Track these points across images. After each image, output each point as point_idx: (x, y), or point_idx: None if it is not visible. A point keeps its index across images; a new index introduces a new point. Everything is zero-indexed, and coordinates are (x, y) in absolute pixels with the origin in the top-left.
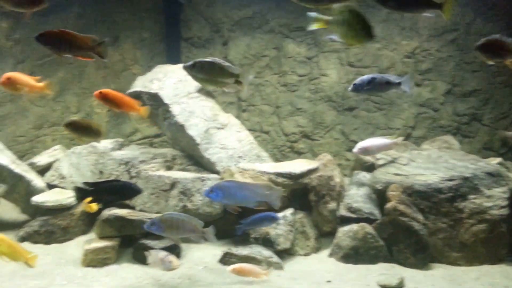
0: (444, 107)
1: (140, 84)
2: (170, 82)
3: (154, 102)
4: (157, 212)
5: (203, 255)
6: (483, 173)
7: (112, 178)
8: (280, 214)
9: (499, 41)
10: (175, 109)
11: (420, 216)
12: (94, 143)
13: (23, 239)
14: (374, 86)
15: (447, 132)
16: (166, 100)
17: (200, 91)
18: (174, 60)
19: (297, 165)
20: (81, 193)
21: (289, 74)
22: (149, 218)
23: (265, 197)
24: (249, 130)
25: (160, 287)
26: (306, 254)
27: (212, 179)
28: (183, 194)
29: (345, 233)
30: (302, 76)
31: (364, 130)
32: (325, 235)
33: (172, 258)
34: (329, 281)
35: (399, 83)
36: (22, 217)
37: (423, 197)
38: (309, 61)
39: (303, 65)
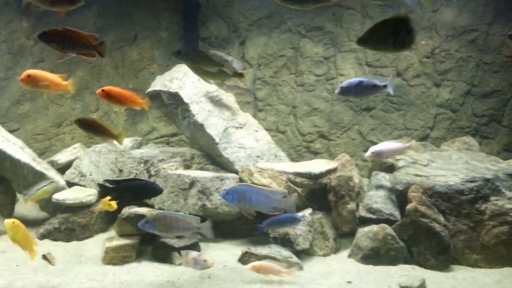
0: (463, 108)
1: (160, 83)
2: (190, 81)
3: (174, 101)
4: (176, 211)
5: (222, 254)
6: (504, 175)
7: (131, 176)
8: (299, 214)
9: None
10: (194, 109)
11: (441, 218)
12: (114, 141)
13: (43, 236)
14: (361, 90)
15: (466, 133)
16: (186, 100)
17: (219, 90)
18: None
19: (316, 165)
20: (103, 190)
21: (306, 74)
22: None
23: (280, 204)
24: (265, 129)
25: (180, 286)
26: (325, 255)
27: (230, 179)
28: (202, 193)
29: (364, 234)
30: (319, 76)
31: (381, 130)
32: (344, 235)
33: (205, 257)
34: (349, 282)
35: (385, 86)
36: (41, 214)
37: (444, 199)
38: (326, 61)
39: (320, 65)
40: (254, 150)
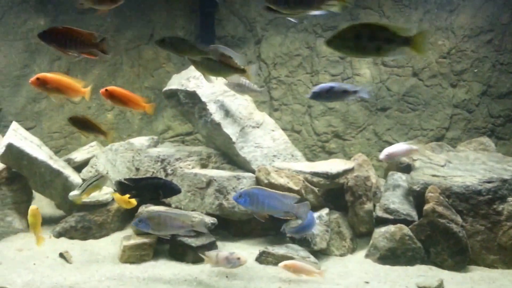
0: (479, 109)
1: (177, 82)
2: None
3: (190, 100)
4: (193, 210)
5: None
6: None
7: (148, 175)
8: (315, 214)
9: None
10: (211, 108)
11: (458, 218)
12: (131, 140)
13: (59, 234)
14: (332, 94)
15: (482, 134)
16: (203, 98)
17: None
18: None
19: (333, 165)
20: (122, 188)
21: (322, 73)
22: None
23: (292, 209)
24: (281, 129)
25: (198, 284)
26: (342, 255)
27: (247, 178)
28: (219, 192)
29: (381, 234)
30: (335, 76)
31: (397, 130)
32: (360, 236)
33: (238, 255)
34: (367, 282)
35: (356, 92)
36: (58, 212)
37: (462, 199)
38: (342, 60)
39: (336, 65)
40: (271, 149)
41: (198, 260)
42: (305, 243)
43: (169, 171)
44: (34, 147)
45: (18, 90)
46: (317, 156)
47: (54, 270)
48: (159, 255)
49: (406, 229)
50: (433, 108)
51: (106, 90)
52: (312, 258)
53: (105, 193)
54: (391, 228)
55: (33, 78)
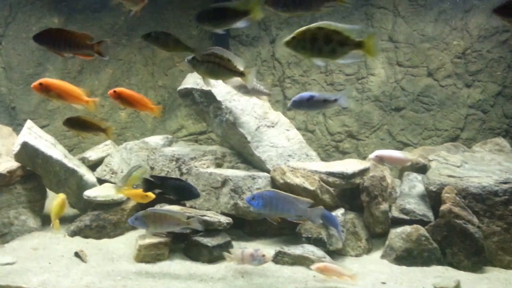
0: (493, 109)
1: (192, 81)
2: None
3: (205, 99)
4: (208, 209)
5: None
6: None
7: (163, 174)
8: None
9: None
10: (227, 107)
11: (475, 219)
12: (146, 139)
13: (74, 233)
14: (312, 104)
15: (496, 135)
16: (218, 98)
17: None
18: None
19: (349, 165)
20: (148, 185)
21: (336, 73)
22: (202, 215)
23: (305, 213)
24: None
25: (214, 284)
26: (357, 255)
27: (262, 177)
28: (234, 191)
29: (397, 234)
30: (349, 76)
31: (411, 131)
32: (376, 236)
33: (263, 252)
34: (384, 283)
35: (336, 100)
36: (72, 211)
37: (478, 200)
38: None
39: (351, 64)
40: (286, 149)
41: (213, 260)
42: (320, 243)
43: (184, 170)
44: (49, 145)
45: (32, 89)
46: (331, 156)
47: (70, 269)
48: (174, 254)
49: (422, 230)
50: (448, 108)
51: (114, 91)
52: (328, 259)
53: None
54: (407, 228)
55: (35, 83)
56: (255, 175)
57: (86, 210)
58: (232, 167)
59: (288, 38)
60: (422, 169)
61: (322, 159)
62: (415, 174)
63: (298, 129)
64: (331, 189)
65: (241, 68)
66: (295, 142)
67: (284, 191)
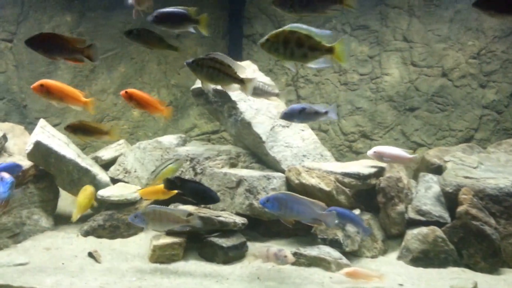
0: (508, 110)
1: None
2: None
3: (220, 98)
4: (222, 210)
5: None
6: None
7: (177, 175)
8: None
9: None
10: (242, 106)
11: (492, 221)
12: (159, 138)
13: (87, 233)
14: (304, 115)
15: (511, 135)
16: (233, 97)
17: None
18: (235, 57)
19: (364, 165)
20: (169, 185)
21: (350, 72)
22: (217, 216)
23: (320, 217)
24: None
25: (230, 285)
26: (373, 257)
27: (277, 178)
28: (249, 192)
29: (414, 236)
30: (363, 75)
31: (425, 131)
32: (391, 237)
33: (286, 252)
34: (401, 285)
35: (326, 112)
36: None
37: (495, 201)
38: (371, 60)
39: (365, 64)
40: (300, 149)
41: (228, 261)
42: (337, 244)
43: (198, 170)
44: (62, 144)
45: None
46: (344, 156)
47: (84, 270)
48: (189, 255)
49: (439, 231)
50: (462, 108)
51: (126, 92)
52: (345, 260)
53: (134, 191)
54: (424, 230)
55: (35, 84)
56: (270, 175)
57: (99, 209)
58: (247, 167)
59: (262, 40)
60: (437, 170)
61: (336, 159)
62: (430, 175)
63: (312, 129)
64: (346, 190)
65: (242, 76)
66: (310, 142)
67: (299, 192)
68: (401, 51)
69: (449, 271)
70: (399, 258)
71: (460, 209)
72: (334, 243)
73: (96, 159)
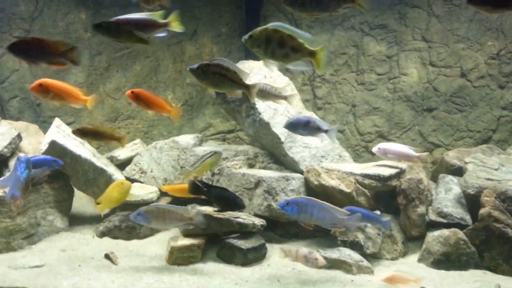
0: None
1: None
2: (256, 78)
3: (238, 98)
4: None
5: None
6: None
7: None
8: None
9: None
10: (260, 106)
11: None
12: (176, 138)
13: (102, 234)
14: (307, 129)
15: None
16: None
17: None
18: (251, 56)
19: (384, 167)
20: (194, 188)
21: (368, 72)
22: (235, 217)
23: (341, 222)
24: None
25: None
26: (393, 259)
27: (296, 179)
28: (268, 193)
29: (435, 238)
30: (381, 75)
31: (443, 132)
32: (411, 239)
33: (316, 255)
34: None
35: (327, 130)
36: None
37: None
38: (389, 59)
39: (383, 64)
40: (319, 150)
41: (247, 263)
42: (357, 246)
43: (215, 171)
44: (77, 144)
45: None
46: (360, 156)
47: (100, 272)
48: (207, 257)
49: (461, 234)
50: (481, 109)
51: (132, 92)
52: (366, 262)
53: (150, 192)
54: (445, 232)
55: (34, 84)
56: (288, 176)
57: (114, 210)
58: (264, 168)
59: (246, 36)
60: (457, 171)
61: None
62: (450, 177)
63: None
64: (366, 192)
65: (247, 82)
66: (328, 142)
67: (319, 193)
68: (419, 51)
69: (471, 273)
70: (420, 260)
71: (483, 211)
72: (355, 245)
73: (112, 159)
